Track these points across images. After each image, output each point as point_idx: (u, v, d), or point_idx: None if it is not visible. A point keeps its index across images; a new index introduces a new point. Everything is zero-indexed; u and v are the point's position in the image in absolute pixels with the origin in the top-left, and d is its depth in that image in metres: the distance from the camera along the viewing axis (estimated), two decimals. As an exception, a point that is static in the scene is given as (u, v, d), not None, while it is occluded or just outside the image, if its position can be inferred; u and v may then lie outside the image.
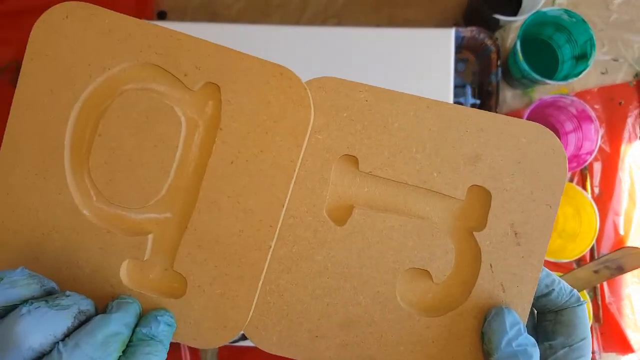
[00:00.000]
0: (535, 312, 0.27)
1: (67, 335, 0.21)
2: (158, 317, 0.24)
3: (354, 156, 0.26)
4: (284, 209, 0.26)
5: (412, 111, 0.26)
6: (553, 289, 0.25)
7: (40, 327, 0.20)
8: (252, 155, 0.25)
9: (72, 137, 0.26)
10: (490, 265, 0.25)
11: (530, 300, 0.25)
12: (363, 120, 0.26)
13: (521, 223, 0.25)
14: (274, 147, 0.25)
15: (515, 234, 0.25)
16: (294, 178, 0.26)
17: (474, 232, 0.26)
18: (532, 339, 0.24)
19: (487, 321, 0.25)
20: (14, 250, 0.26)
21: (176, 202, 0.26)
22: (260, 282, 0.26)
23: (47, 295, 0.22)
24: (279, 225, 0.26)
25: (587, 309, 0.26)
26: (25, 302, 0.21)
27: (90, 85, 0.26)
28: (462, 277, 0.26)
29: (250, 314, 0.26)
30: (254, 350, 0.56)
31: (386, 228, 0.26)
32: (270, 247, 0.26)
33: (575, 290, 0.26)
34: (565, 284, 0.26)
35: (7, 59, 0.58)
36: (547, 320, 0.26)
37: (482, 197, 0.26)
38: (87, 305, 0.22)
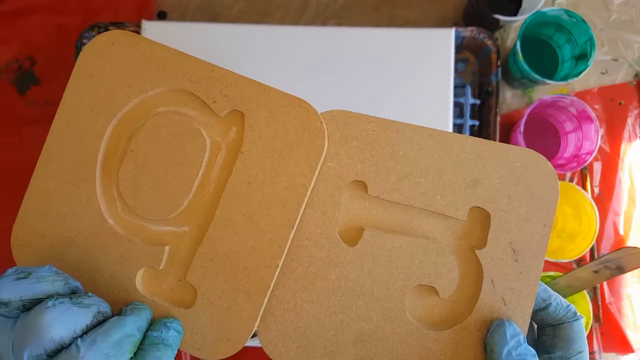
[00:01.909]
0: (535, 326, 0.29)
1: (86, 332, 0.22)
2: (168, 324, 0.25)
3: (363, 182, 0.28)
4: (294, 230, 0.27)
5: (416, 140, 0.27)
6: (550, 303, 0.27)
7: (62, 321, 0.21)
8: (268, 178, 0.27)
9: (105, 151, 0.28)
10: (492, 280, 0.27)
11: (529, 312, 0.26)
12: (371, 149, 0.28)
13: (518, 241, 0.27)
14: (288, 172, 0.27)
15: (514, 251, 0.27)
16: (305, 202, 0.27)
17: (476, 250, 0.27)
18: (532, 350, 0.25)
19: (489, 332, 0.26)
20: (40, 251, 0.27)
21: (194, 217, 0.28)
22: (266, 298, 0.27)
23: (71, 294, 0.23)
24: (287, 245, 0.27)
25: (584, 323, 0.27)
26: (50, 296, 0.22)
27: (127, 105, 0.28)
28: (466, 292, 0.27)
29: (254, 329, 0.27)
30: (254, 350, 0.56)
31: (394, 248, 0.27)
32: (278, 265, 0.27)
33: (572, 306, 0.27)
34: (562, 299, 0.27)
35: (7, 59, 0.58)
36: (546, 334, 0.27)
37: (482, 218, 0.27)
38: (105, 307, 0.23)
